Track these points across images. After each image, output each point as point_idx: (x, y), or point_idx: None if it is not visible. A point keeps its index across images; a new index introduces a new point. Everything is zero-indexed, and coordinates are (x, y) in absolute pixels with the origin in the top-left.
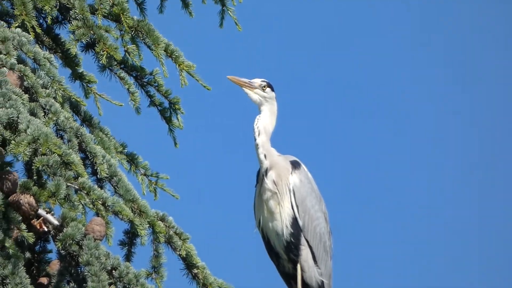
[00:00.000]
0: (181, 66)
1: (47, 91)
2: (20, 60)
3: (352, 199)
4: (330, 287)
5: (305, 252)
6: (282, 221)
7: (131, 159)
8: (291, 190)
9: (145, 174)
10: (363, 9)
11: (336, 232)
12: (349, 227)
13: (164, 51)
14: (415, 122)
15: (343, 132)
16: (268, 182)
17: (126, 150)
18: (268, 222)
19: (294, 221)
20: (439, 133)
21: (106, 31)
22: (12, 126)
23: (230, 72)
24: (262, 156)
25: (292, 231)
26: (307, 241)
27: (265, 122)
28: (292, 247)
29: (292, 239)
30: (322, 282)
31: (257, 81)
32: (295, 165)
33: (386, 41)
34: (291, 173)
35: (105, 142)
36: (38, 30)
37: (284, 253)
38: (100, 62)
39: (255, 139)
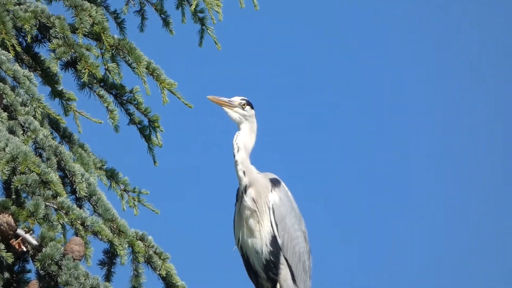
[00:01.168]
0: (162, 84)
1: (26, 109)
2: (0, 78)
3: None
4: None
5: (284, 272)
6: (261, 239)
7: (111, 175)
8: (271, 208)
9: (125, 190)
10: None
11: (318, 249)
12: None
13: (146, 69)
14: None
15: (330, 142)
16: (248, 200)
17: (105, 166)
18: (248, 240)
19: (274, 240)
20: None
21: (87, 49)
22: None
23: (212, 90)
24: (241, 173)
25: (271, 249)
26: (286, 260)
27: (245, 139)
28: (271, 266)
29: (271, 258)
30: None
31: (237, 100)
32: (274, 182)
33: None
34: (271, 191)
35: (84, 158)
36: (18, 49)
37: (263, 271)
38: (82, 80)
39: (234, 156)
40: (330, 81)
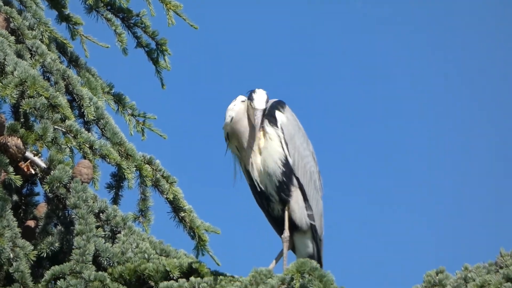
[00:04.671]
0: (168, 5)
1: (34, 33)
2: (6, 2)
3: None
4: (321, 228)
5: (295, 193)
6: (273, 161)
7: (118, 99)
8: (280, 128)
9: (132, 114)
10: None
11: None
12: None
13: None
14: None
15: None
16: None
17: (113, 91)
18: (257, 165)
19: (285, 160)
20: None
21: None
22: None
23: (215, 11)
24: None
25: (283, 170)
26: (298, 180)
27: None
28: (284, 187)
29: (284, 179)
30: (313, 223)
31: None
32: (280, 104)
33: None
34: (279, 111)
35: (91, 82)
36: None
37: (276, 194)
38: (87, 3)
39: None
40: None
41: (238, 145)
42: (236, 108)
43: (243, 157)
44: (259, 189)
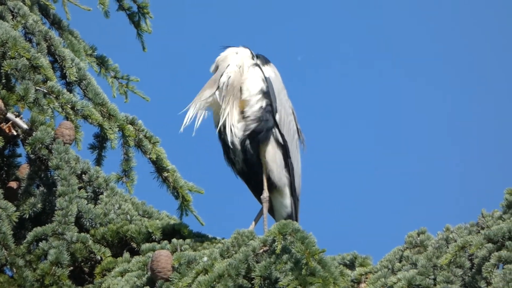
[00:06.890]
0: None
1: None
2: None
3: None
4: (299, 187)
5: (275, 150)
6: (256, 113)
7: (101, 62)
8: (265, 81)
9: (115, 77)
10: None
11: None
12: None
13: None
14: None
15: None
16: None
17: (95, 53)
18: (225, 118)
19: (271, 114)
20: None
21: None
22: None
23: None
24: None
25: (266, 122)
26: (283, 137)
27: None
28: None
29: (263, 132)
30: (291, 181)
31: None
32: (265, 59)
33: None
34: (264, 65)
35: (74, 44)
36: None
37: (241, 150)
38: None
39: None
40: None
41: (219, 96)
42: (238, 58)
43: (219, 111)
44: (231, 146)
